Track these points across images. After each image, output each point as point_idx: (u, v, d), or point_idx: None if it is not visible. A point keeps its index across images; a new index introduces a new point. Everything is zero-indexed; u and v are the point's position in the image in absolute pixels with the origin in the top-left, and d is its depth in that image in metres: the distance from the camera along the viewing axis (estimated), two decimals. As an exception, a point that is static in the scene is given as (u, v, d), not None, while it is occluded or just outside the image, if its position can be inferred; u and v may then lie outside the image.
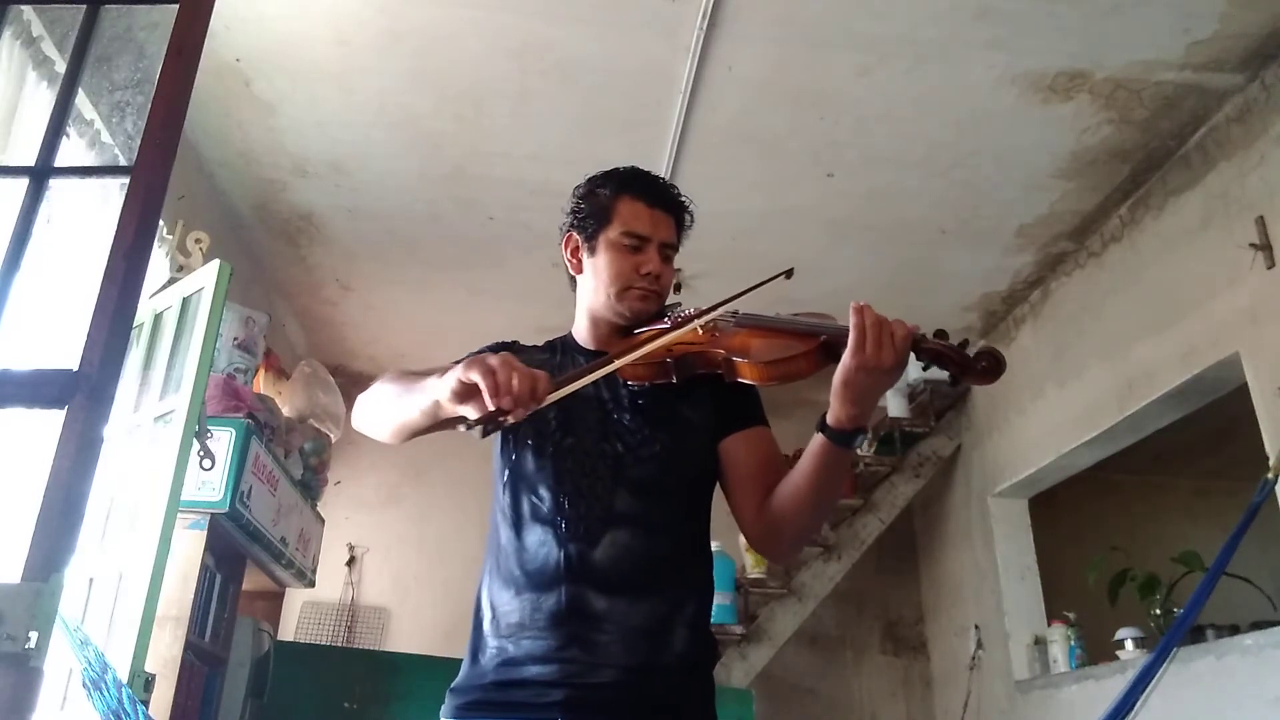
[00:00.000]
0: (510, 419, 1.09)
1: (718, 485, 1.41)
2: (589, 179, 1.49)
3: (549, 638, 1.23)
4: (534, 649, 1.23)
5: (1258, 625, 3.20)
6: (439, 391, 1.14)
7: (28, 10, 2.29)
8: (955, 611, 5.01)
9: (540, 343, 1.53)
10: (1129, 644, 3.58)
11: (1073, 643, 4.03)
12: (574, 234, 1.46)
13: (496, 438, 1.38)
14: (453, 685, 1.30)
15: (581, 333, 1.48)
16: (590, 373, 1.21)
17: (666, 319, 1.38)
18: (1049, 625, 4.23)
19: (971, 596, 4.81)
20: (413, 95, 3.26)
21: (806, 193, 3.72)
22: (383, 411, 1.31)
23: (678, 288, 4.21)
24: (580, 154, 3.46)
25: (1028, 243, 4.03)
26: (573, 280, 1.50)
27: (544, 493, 1.30)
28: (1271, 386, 2.90)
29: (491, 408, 1.08)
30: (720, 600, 4.28)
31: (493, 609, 1.29)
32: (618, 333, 1.43)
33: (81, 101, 2.57)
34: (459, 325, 4.78)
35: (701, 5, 2.80)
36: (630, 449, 1.32)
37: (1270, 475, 2.70)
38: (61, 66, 2.33)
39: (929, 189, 3.67)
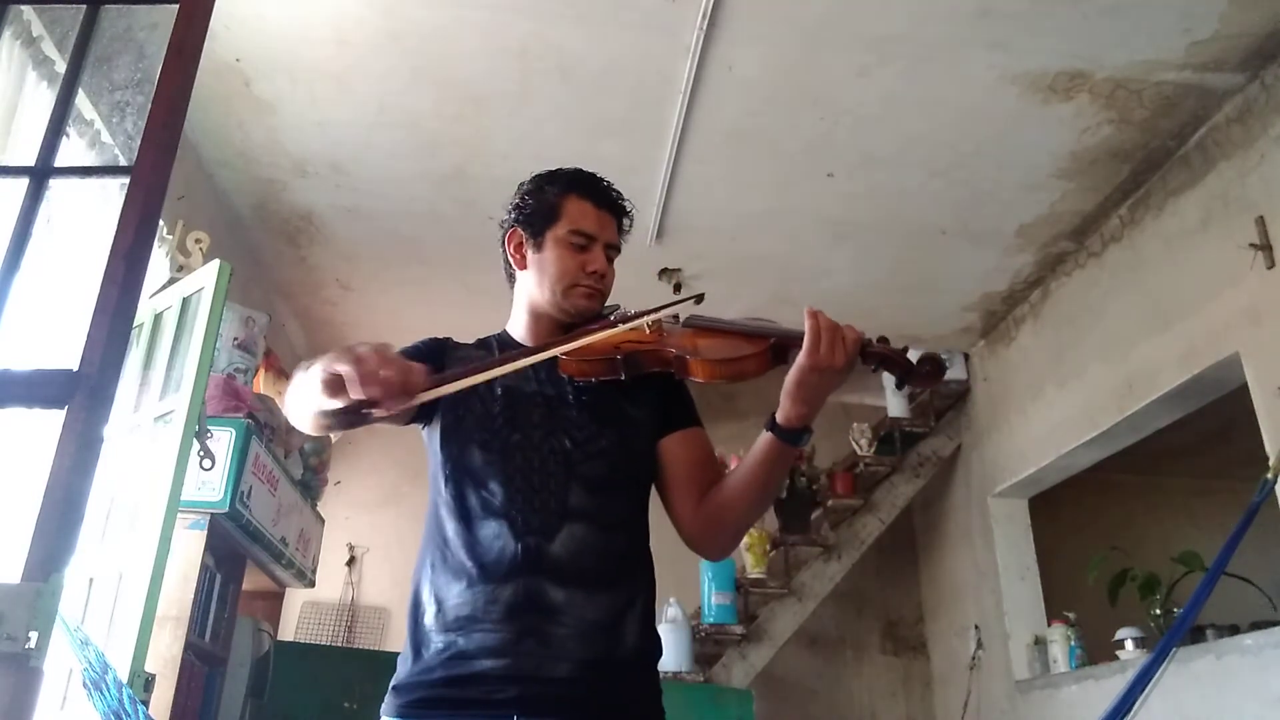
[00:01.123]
0: (380, 411, 1.08)
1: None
2: (535, 176, 1.50)
3: (503, 630, 1.21)
4: (487, 641, 1.21)
5: (1258, 625, 3.20)
6: (316, 378, 1.13)
7: (28, 10, 2.29)
8: (955, 611, 5.01)
9: (473, 340, 1.53)
10: (1129, 644, 3.58)
11: (1073, 643, 4.04)
12: (519, 229, 1.47)
13: (434, 431, 1.37)
14: (394, 683, 1.27)
15: (520, 329, 1.48)
16: (514, 360, 1.23)
17: (610, 317, 1.40)
18: (1049, 625, 4.23)
19: (971, 596, 4.81)
20: (413, 95, 3.26)
21: (806, 193, 3.72)
22: (293, 404, 1.27)
23: (677, 287, 4.22)
24: (580, 154, 3.45)
25: (1028, 243, 4.03)
26: (510, 276, 1.51)
27: (495, 487, 1.29)
28: (1271, 386, 2.90)
29: (358, 398, 1.06)
30: (720, 600, 4.28)
31: (438, 602, 1.27)
32: (558, 329, 1.44)
33: (81, 101, 2.57)
34: (459, 325, 4.73)
35: (701, 5, 2.80)
36: (578, 445, 1.32)
37: (1270, 475, 2.71)
38: (61, 66, 2.33)
39: (929, 189, 3.67)
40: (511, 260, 1.49)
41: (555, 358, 1.32)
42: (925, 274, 4.31)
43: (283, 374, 4.08)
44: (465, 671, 1.21)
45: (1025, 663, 4.30)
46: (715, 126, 3.35)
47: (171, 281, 2.90)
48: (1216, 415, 3.65)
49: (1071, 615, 4.12)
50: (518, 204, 1.49)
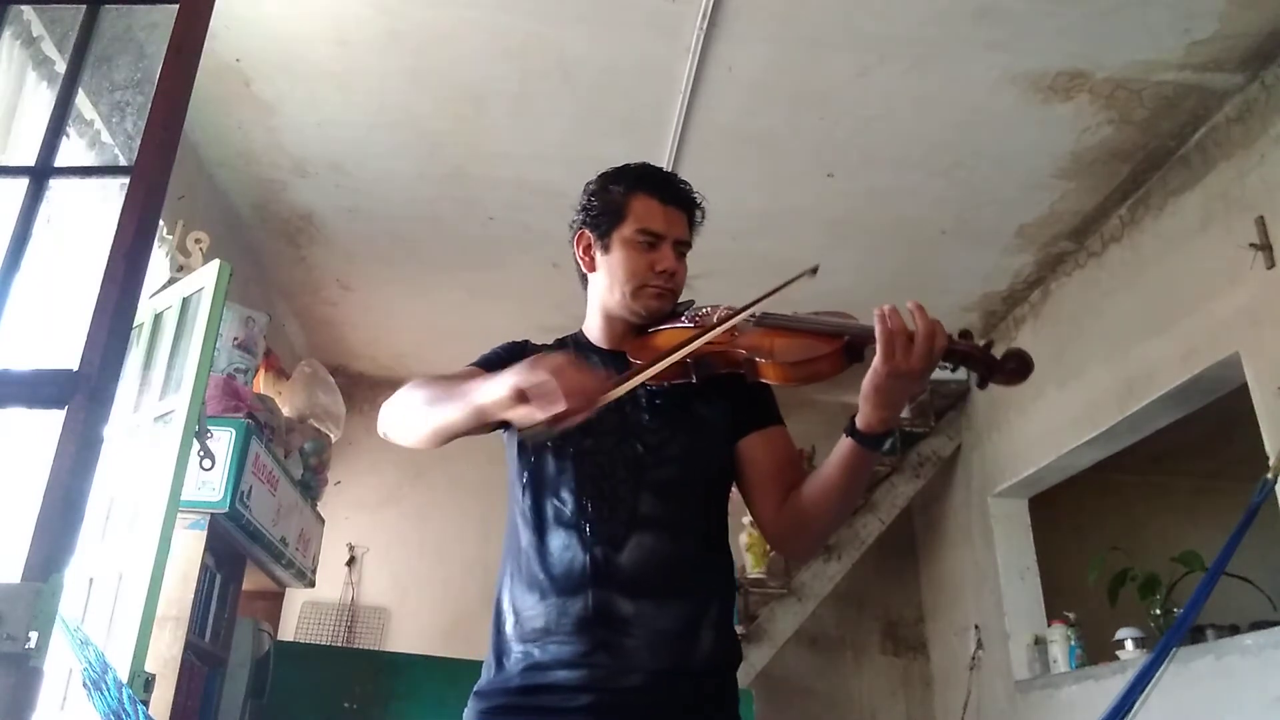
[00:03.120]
0: (577, 419, 1.06)
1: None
2: (601, 175, 1.47)
3: (576, 642, 1.21)
4: (561, 654, 1.22)
5: (1258, 625, 3.20)
6: (494, 393, 1.11)
7: (28, 10, 2.29)
8: (955, 611, 5.01)
9: (550, 341, 1.51)
10: (1129, 644, 3.58)
11: (1073, 643, 4.04)
12: (586, 231, 1.44)
13: (513, 438, 1.36)
14: (476, 688, 1.29)
15: (594, 331, 1.47)
16: (635, 376, 1.19)
17: (683, 317, 1.38)
18: (1049, 625, 4.23)
19: (971, 596, 4.81)
20: (413, 95, 3.26)
21: (806, 193, 3.72)
22: (419, 416, 1.27)
23: (677, 288, 4.21)
24: (580, 154, 3.46)
25: (1028, 243, 4.03)
26: (583, 279, 1.48)
27: (566, 496, 1.29)
28: (1271, 386, 2.90)
29: (560, 408, 1.04)
30: (720, 600, 4.27)
31: (515, 613, 1.28)
32: (632, 331, 1.42)
33: (81, 101, 2.57)
34: (459, 325, 4.78)
35: (701, 5, 2.80)
36: (650, 449, 1.31)
37: (1270, 475, 2.70)
38: (61, 66, 2.33)
39: (929, 189, 3.67)
40: (581, 263, 1.46)
41: (627, 360, 1.29)
42: (925, 274, 4.31)
43: (282, 374, 4.08)
44: (541, 681, 1.22)
45: (1025, 663, 4.30)
46: (715, 126, 3.35)
47: (171, 281, 2.90)
48: (1216, 415, 3.65)
49: (1071, 615, 4.12)
50: (584, 205, 1.46)
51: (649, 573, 1.24)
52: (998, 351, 1.16)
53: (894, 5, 2.80)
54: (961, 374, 1.21)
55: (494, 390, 1.11)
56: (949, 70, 3.05)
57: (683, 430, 1.33)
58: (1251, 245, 2.97)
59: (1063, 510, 5.06)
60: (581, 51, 3.03)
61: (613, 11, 2.87)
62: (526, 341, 1.50)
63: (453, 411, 1.20)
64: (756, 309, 1.33)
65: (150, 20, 2.68)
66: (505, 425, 1.31)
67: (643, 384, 1.31)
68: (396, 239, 4.16)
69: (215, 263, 2.59)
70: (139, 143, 1.19)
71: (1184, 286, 3.34)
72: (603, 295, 1.43)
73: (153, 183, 1.15)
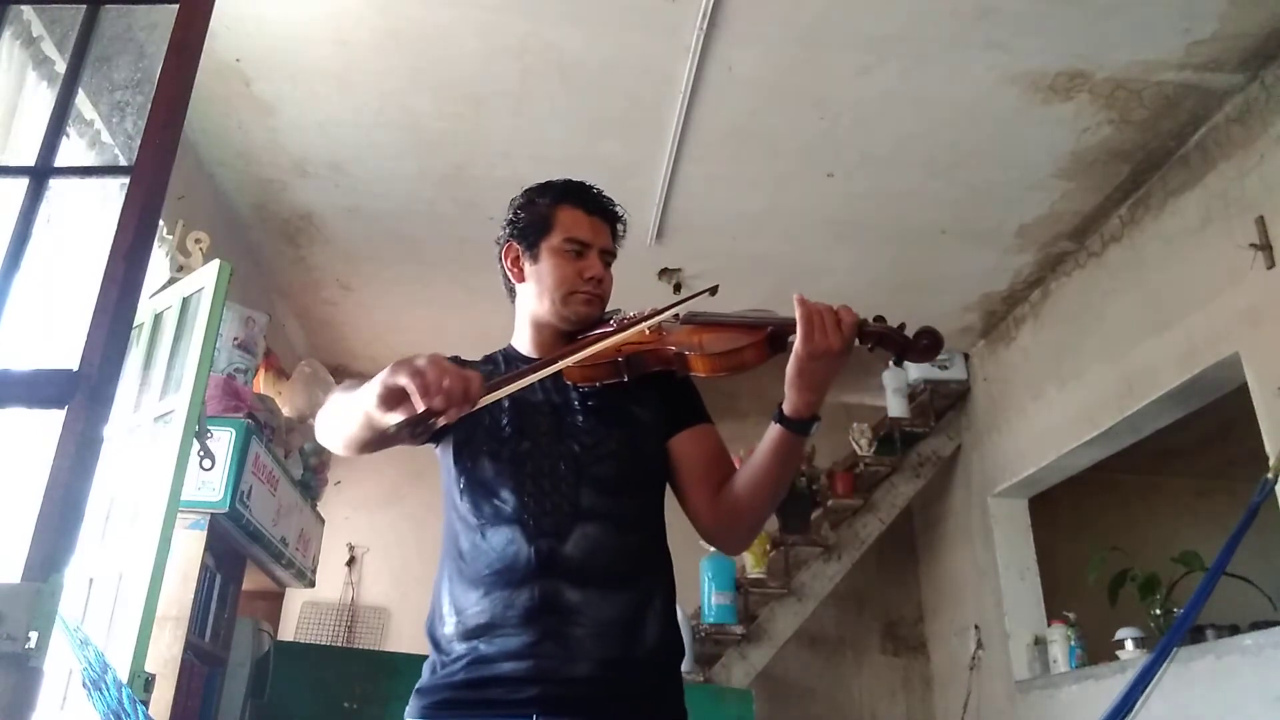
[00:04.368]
0: (442, 420, 1.08)
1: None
2: (526, 190, 1.51)
3: (523, 634, 1.22)
4: (507, 646, 1.22)
5: (1258, 625, 3.20)
6: (367, 401, 1.14)
7: (28, 10, 2.29)
8: (955, 611, 5.01)
9: (479, 357, 1.53)
10: (1129, 644, 3.58)
11: (1073, 643, 4.04)
12: (515, 243, 1.48)
13: (447, 448, 1.38)
14: (418, 686, 1.29)
15: (524, 342, 1.49)
16: (536, 370, 1.23)
17: (611, 323, 1.41)
18: (1049, 625, 4.23)
19: (971, 596, 4.81)
20: (413, 95, 3.26)
21: (806, 193, 3.72)
22: (329, 426, 1.30)
23: (677, 288, 4.22)
24: (580, 154, 3.46)
25: (1028, 243, 4.03)
26: (511, 291, 1.52)
27: (506, 495, 1.30)
28: (1271, 386, 2.90)
29: (421, 408, 1.06)
30: (720, 600, 4.28)
31: (457, 612, 1.28)
32: (561, 339, 1.44)
33: (81, 101, 2.57)
34: (459, 325, 4.78)
35: (701, 5, 2.80)
36: (587, 448, 1.33)
37: (1270, 475, 2.71)
38: (61, 66, 2.33)
39: (929, 189, 3.67)
40: (510, 275, 1.50)
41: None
42: (925, 274, 4.31)
43: (282, 374, 4.08)
44: (486, 674, 1.23)
45: (1025, 663, 4.30)
46: (715, 126, 3.35)
47: (171, 281, 2.90)
48: (1216, 415, 3.65)
49: (1071, 615, 4.11)
50: (511, 219, 1.50)
51: (595, 562, 1.26)
52: (910, 331, 1.22)
53: (894, 5, 2.80)
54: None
55: (367, 398, 1.14)
56: (949, 70, 3.05)
57: (617, 428, 1.35)
58: (1251, 245, 2.97)
59: (1063, 510, 5.06)
60: (581, 51, 3.03)
61: (612, 11, 2.87)
62: (456, 357, 1.52)
63: (350, 423, 1.22)
64: (680, 309, 1.38)
65: (150, 20, 2.68)
66: (436, 439, 1.36)
67: (576, 387, 1.36)
68: (396, 239, 4.16)
69: (215, 263, 2.59)
70: (139, 143, 1.19)
71: (1184, 286, 3.34)
72: (532, 305, 1.46)
73: (153, 183, 1.15)
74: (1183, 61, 2.98)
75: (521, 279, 1.48)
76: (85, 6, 1.35)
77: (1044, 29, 2.85)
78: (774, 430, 1.26)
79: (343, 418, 1.25)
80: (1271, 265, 2.93)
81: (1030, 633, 4.34)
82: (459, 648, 1.26)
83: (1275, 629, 2.89)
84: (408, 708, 1.28)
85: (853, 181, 3.64)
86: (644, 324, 1.34)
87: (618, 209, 1.50)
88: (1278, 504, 2.76)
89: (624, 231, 1.52)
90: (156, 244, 2.83)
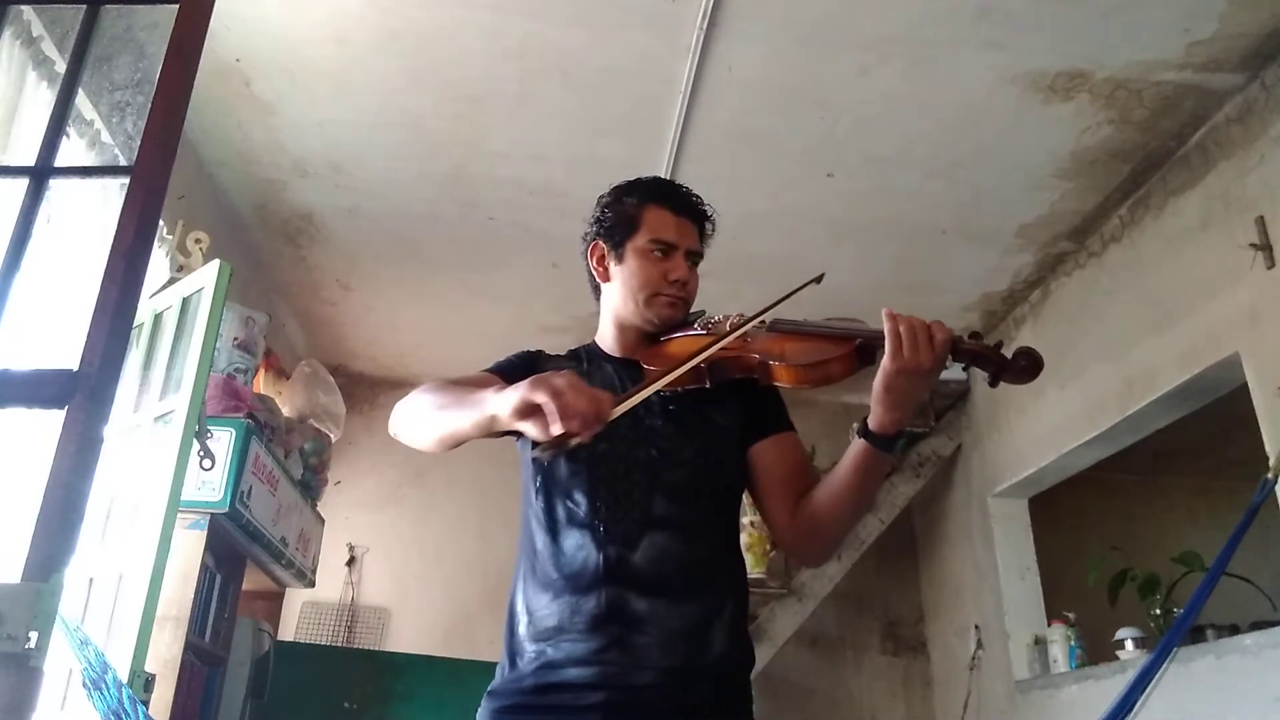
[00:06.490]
0: (576, 441, 1.08)
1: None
2: (614, 188, 1.50)
3: (589, 640, 1.23)
4: (574, 651, 1.23)
5: (1258, 625, 3.19)
6: (499, 407, 1.12)
7: (28, 10, 2.29)
8: (955, 611, 5.01)
9: (563, 352, 1.52)
10: (1129, 644, 3.58)
11: (1073, 643, 4.03)
12: (600, 242, 1.47)
13: (527, 443, 1.36)
14: (490, 688, 1.30)
15: (607, 341, 1.49)
16: (648, 387, 1.21)
17: (695, 325, 1.40)
18: (1049, 625, 4.23)
19: (971, 596, 4.81)
20: (413, 95, 3.25)
21: (806, 193, 3.72)
22: (429, 421, 1.29)
23: (678, 288, 4.21)
24: (580, 154, 3.46)
25: (1028, 243, 4.03)
26: (596, 289, 1.51)
27: (579, 498, 1.30)
28: (1271, 386, 2.90)
29: (558, 431, 1.06)
30: (720, 600, 4.27)
31: (529, 613, 1.29)
32: (645, 340, 1.44)
33: (81, 101, 2.57)
34: (459, 325, 4.78)
35: (701, 5, 2.80)
36: (664, 454, 1.32)
37: (1270, 475, 2.70)
38: (61, 66, 2.33)
39: (929, 189, 3.67)
40: (595, 273, 1.49)
41: (640, 368, 1.32)
42: (925, 274, 4.31)
43: (282, 374, 4.09)
44: (554, 680, 1.23)
45: (1025, 663, 4.29)
46: (715, 126, 3.35)
47: (171, 281, 2.90)
48: (1216, 415, 3.65)
49: (1071, 615, 4.11)
50: (598, 216, 1.49)
51: (663, 571, 1.25)
52: (1008, 351, 1.18)
53: (894, 5, 2.80)
54: (960, 373, 1.24)
55: (499, 405, 1.12)
56: (949, 70, 3.05)
57: (696, 435, 1.34)
58: (1251, 245, 2.97)
59: (1063, 510, 5.05)
60: (581, 51, 3.03)
61: (612, 11, 2.87)
62: (540, 351, 1.51)
63: (461, 420, 1.21)
64: (768, 316, 1.36)
65: (150, 20, 2.68)
66: (517, 432, 1.32)
67: (657, 390, 1.33)
68: (396, 239, 4.16)
69: (215, 263, 2.59)
70: (139, 143, 1.19)
71: (1184, 286, 3.34)
72: (616, 305, 1.46)
73: (153, 183, 1.15)
74: (1183, 61, 2.98)
75: (606, 278, 1.47)
76: (85, 6, 1.35)
77: (1044, 29, 2.85)
78: (858, 445, 1.24)
79: (449, 415, 1.24)
80: (1271, 265, 2.92)
81: (1030, 633, 4.34)
82: (530, 649, 1.27)
83: (1275, 629, 2.89)
84: (480, 710, 1.29)
85: (853, 181, 3.64)
86: (738, 332, 1.31)
87: (707, 209, 1.49)
88: (1278, 504, 2.76)
89: (713, 231, 1.50)
90: (156, 244, 2.83)
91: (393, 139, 3.49)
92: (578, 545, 1.28)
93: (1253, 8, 2.76)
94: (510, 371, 1.35)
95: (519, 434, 1.31)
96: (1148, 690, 2.51)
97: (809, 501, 1.32)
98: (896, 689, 5.29)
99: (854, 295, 4.37)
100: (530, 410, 1.09)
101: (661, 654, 1.21)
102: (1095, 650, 3.96)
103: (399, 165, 3.64)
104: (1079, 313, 4.04)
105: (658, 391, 1.33)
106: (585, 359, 1.47)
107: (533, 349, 1.52)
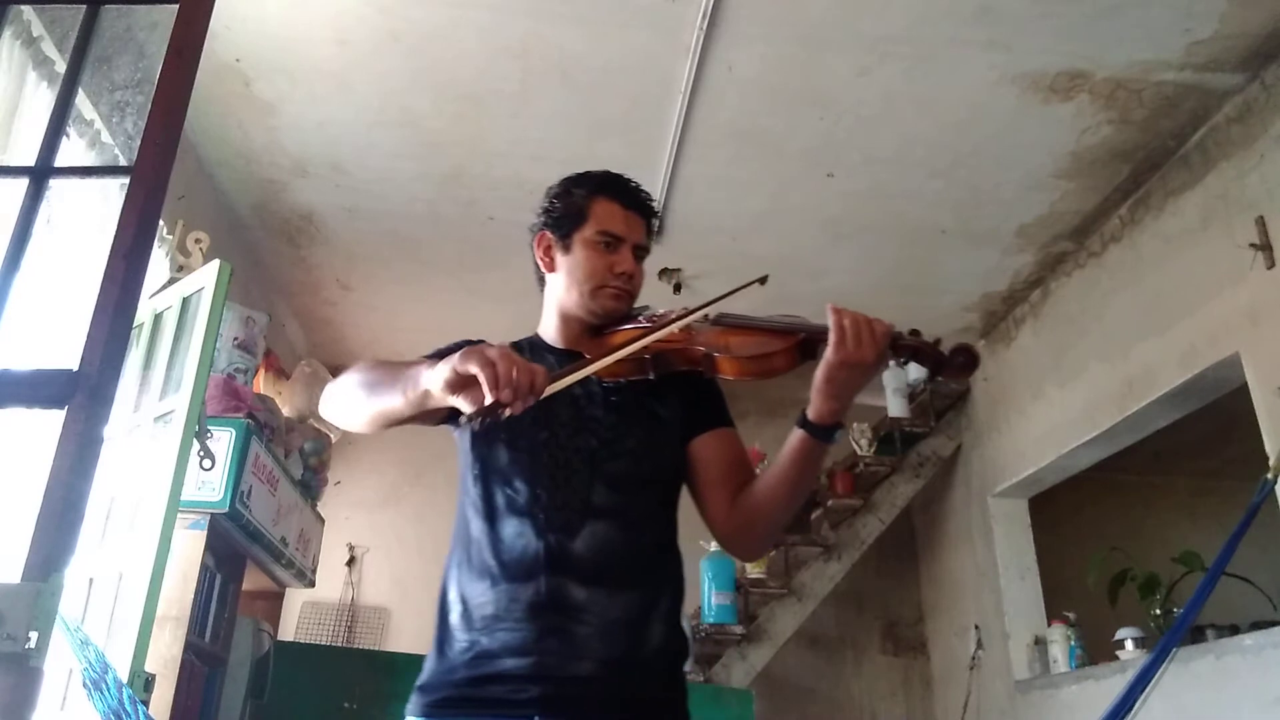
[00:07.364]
0: (508, 412, 1.07)
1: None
2: (564, 180, 1.50)
3: (526, 629, 1.21)
4: (510, 640, 1.21)
5: (1258, 625, 3.20)
6: (431, 381, 1.11)
7: (28, 10, 2.29)
8: (955, 611, 5.01)
9: (506, 344, 1.52)
10: (1129, 644, 3.58)
11: (1073, 643, 4.03)
12: (547, 233, 1.47)
13: (465, 431, 1.36)
14: (419, 682, 1.27)
15: (550, 332, 1.48)
16: (583, 368, 1.21)
17: (639, 318, 1.40)
18: (1049, 625, 4.23)
19: (971, 596, 4.81)
20: (413, 95, 3.26)
21: (806, 193, 3.72)
22: (360, 399, 1.26)
23: (677, 288, 4.21)
24: (580, 154, 3.46)
25: (1028, 243, 4.03)
26: (541, 280, 1.51)
27: (520, 485, 1.29)
28: (1271, 386, 2.90)
29: (490, 400, 1.05)
30: (720, 600, 4.28)
31: (463, 601, 1.27)
32: (588, 331, 1.44)
33: (81, 101, 2.57)
34: (459, 325, 4.74)
35: (701, 5, 2.80)
36: (605, 444, 1.32)
37: (1270, 475, 2.70)
38: (61, 66, 2.33)
39: (929, 189, 3.67)
40: (540, 263, 1.49)
41: (582, 358, 1.30)
42: (925, 274, 4.31)
43: (282, 374, 4.08)
44: (488, 671, 1.21)
45: (1025, 663, 4.30)
46: (715, 126, 3.35)
47: (171, 281, 2.90)
48: (1216, 415, 3.65)
49: (1071, 615, 4.11)
50: (546, 207, 1.49)
51: (603, 561, 1.25)
52: (945, 347, 1.22)
53: (894, 5, 2.80)
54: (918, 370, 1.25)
55: (432, 379, 1.11)
56: (949, 70, 3.05)
57: (638, 425, 1.35)
58: (1251, 245, 2.97)
59: (1063, 510, 5.06)
60: (581, 51, 3.03)
61: (612, 11, 2.87)
62: (482, 340, 1.51)
63: (394, 398, 1.19)
64: (712, 310, 1.36)
65: (150, 20, 2.69)
66: (452, 419, 1.31)
67: (600, 381, 1.34)
68: (396, 239, 4.16)
69: (215, 263, 2.59)
70: (139, 143, 1.19)
71: (1184, 286, 3.34)
72: (560, 295, 1.46)
73: (153, 183, 1.15)
74: (1183, 61, 2.98)
75: (552, 269, 1.47)
76: (85, 6, 1.35)
77: (1044, 29, 2.85)
78: (796, 435, 1.25)
79: (380, 393, 1.22)
80: (1271, 265, 2.93)
81: (1030, 633, 4.34)
82: (461, 639, 1.25)
83: (1275, 629, 2.89)
84: (408, 706, 1.26)
85: (853, 181, 3.64)
86: (678, 323, 1.32)
87: (654, 205, 1.49)
88: (1278, 504, 2.76)
89: (659, 229, 1.51)
90: (156, 244, 2.83)
91: (393, 139, 3.49)
92: (517, 533, 1.27)
93: (1253, 7, 2.76)
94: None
95: (455, 421, 1.31)
96: (1148, 690, 2.51)
97: (749, 493, 1.33)
98: (896, 689, 5.29)
99: (854, 295, 4.39)
100: (464, 383, 1.07)
101: (601, 644, 1.21)
102: (1095, 650, 3.96)
103: (399, 165, 3.64)
104: (1079, 313, 4.04)
105: (600, 382, 1.35)
106: (528, 349, 1.47)
107: (474, 339, 1.52)
